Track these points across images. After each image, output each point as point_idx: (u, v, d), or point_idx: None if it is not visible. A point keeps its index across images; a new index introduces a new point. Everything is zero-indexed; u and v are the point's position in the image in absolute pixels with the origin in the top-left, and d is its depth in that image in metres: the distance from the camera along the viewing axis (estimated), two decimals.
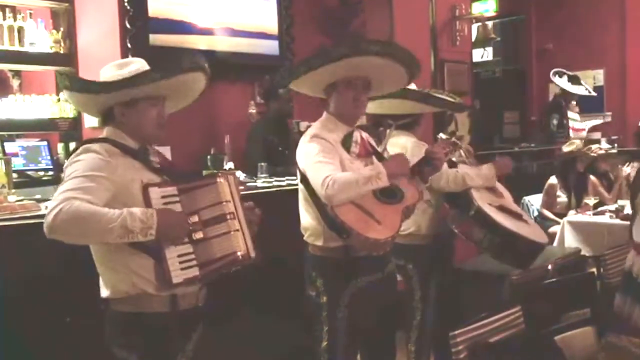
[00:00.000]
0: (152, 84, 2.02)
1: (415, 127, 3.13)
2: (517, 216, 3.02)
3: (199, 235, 1.96)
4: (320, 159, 2.42)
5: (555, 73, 7.23)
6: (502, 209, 2.99)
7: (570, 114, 7.74)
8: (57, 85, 4.68)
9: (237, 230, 1.99)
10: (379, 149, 2.72)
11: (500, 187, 3.21)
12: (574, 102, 7.86)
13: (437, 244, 3.05)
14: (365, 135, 2.70)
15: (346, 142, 2.55)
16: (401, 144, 2.97)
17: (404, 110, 3.02)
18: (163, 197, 1.97)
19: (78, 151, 1.98)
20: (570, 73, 7.33)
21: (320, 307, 2.56)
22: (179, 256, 1.93)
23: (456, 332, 2.03)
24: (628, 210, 4.72)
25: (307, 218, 2.57)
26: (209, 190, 2.03)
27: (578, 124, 7.64)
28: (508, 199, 3.16)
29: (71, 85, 2.04)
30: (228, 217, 1.99)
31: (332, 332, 2.54)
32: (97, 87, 2.03)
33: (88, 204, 1.81)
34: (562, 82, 7.25)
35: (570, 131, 7.56)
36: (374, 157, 2.65)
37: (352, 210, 2.35)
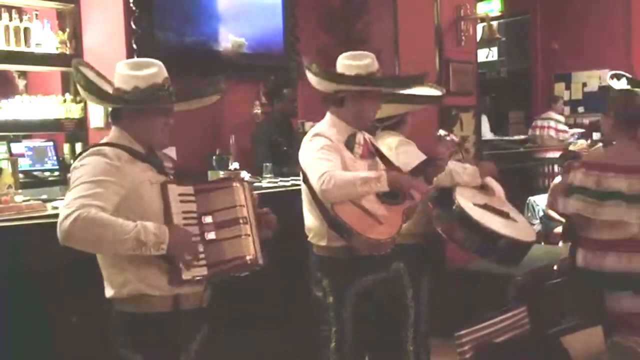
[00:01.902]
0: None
1: (402, 126, 3.13)
2: (504, 214, 3.00)
3: (210, 235, 1.98)
4: (320, 156, 2.43)
5: (614, 76, 6.79)
6: (487, 207, 2.97)
7: (554, 114, 7.72)
8: (63, 86, 4.70)
9: (248, 235, 2.01)
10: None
11: (493, 183, 3.21)
12: (561, 102, 7.86)
13: (426, 242, 3.04)
14: (368, 136, 2.70)
15: (349, 143, 2.56)
16: (387, 144, 2.98)
17: (387, 113, 3.03)
18: (180, 194, 2.00)
19: (87, 152, 1.99)
20: (629, 75, 6.88)
21: (327, 308, 2.56)
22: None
23: (462, 332, 2.03)
24: None
25: (310, 218, 2.57)
26: (225, 193, 2.06)
27: (562, 125, 7.62)
28: (499, 197, 3.14)
29: (86, 86, 2.03)
30: (241, 221, 2.02)
31: (340, 333, 2.55)
32: (110, 98, 2.04)
33: (103, 213, 1.83)
34: (620, 86, 6.85)
35: (553, 132, 7.54)
36: (377, 158, 2.65)
37: (353, 211, 2.35)
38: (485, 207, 2.97)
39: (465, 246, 2.87)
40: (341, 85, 2.55)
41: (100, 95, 2.04)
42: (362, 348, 2.65)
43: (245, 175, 3.78)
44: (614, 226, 2.66)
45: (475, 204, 2.93)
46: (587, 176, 2.72)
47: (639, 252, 2.66)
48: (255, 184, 3.67)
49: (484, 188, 3.11)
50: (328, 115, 2.63)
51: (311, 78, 2.60)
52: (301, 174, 2.58)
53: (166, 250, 1.88)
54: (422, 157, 2.89)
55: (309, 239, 2.61)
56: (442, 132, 3.29)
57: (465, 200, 2.91)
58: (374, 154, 2.66)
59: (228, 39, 4.78)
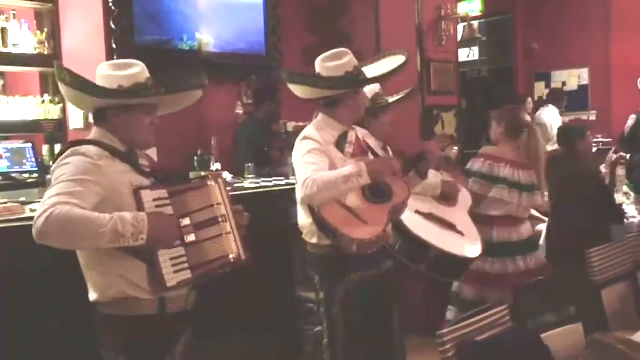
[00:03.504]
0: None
1: (367, 124, 3.07)
2: (448, 226, 2.93)
3: (190, 238, 1.96)
4: (305, 160, 2.45)
5: None
6: (430, 217, 2.91)
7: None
8: (41, 87, 4.64)
9: (229, 232, 2.00)
10: None
11: (461, 194, 3.21)
12: (529, 101, 7.91)
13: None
14: (362, 134, 2.71)
15: (340, 143, 2.57)
16: None
17: None
18: (155, 199, 1.96)
19: (66, 153, 1.96)
20: None
21: (318, 304, 2.59)
22: (171, 259, 1.92)
23: (443, 330, 2.04)
24: None
25: (303, 217, 2.59)
26: (200, 193, 2.03)
27: None
28: (459, 207, 3.11)
29: (72, 82, 1.99)
30: (220, 219, 2.00)
31: (331, 329, 2.57)
32: (97, 91, 2.01)
33: (78, 209, 1.80)
34: None
35: None
36: (370, 156, 2.65)
37: (338, 211, 2.36)
38: (428, 216, 2.90)
39: (395, 251, 2.80)
40: (336, 89, 2.55)
41: (88, 88, 2.00)
42: (355, 343, 2.65)
43: (227, 176, 3.76)
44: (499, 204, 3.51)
45: (417, 212, 2.88)
46: (483, 165, 3.58)
47: (513, 226, 3.53)
48: (237, 185, 3.66)
49: (444, 196, 3.09)
50: (320, 115, 2.64)
51: (304, 89, 2.58)
52: (296, 174, 2.59)
53: (145, 239, 1.84)
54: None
55: (302, 236, 2.64)
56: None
57: (408, 206, 2.80)
58: (366, 151, 2.66)
59: (209, 38, 4.75)
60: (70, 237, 1.81)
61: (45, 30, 4.47)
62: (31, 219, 2.37)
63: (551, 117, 7.10)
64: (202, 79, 2.17)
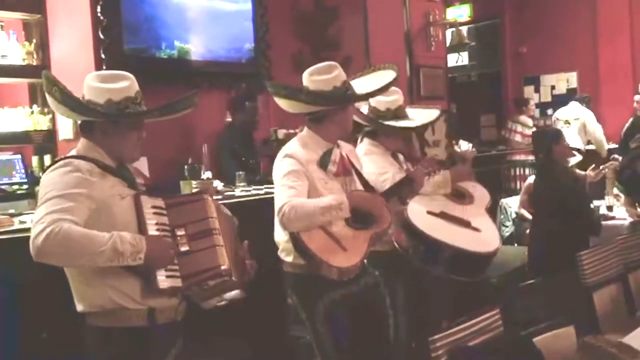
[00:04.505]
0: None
1: (381, 135, 3.06)
2: (462, 223, 2.81)
3: (184, 247, 1.97)
4: (284, 182, 2.40)
5: None
6: (443, 215, 2.81)
7: (522, 118, 7.75)
8: (30, 97, 4.62)
9: (222, 245, 2.00)
10: None
11: (476, 189, 3.12)
12: (532, 103, 7.91)
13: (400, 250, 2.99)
14: (346, 151, 2.66)
15: (323, 162, 2.51)
16: (358, 150, 2.96)
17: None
18: (152, 207, 1.98)
19: (56, 165, 1.95)
20: None
21: (303, 321, 2.54)
22: None
23: (435, 336, 2.04)
24: (603, 210, 4.80)
25: (280, 234, 2.52)
26: (196, 206, 2.06)
27: (528, 129, 7.68)
28: (476, 204, 3.00)
29: (62, 99, 1.98)
30: (214, 232, 2.01)
31: (320, 348, 2.52)
32: (89, 112, 2.00)
33: (77, 227, 1.80)
34: None
35: (519, 137, 7.60)
36: (354, 175, 2.61)
37: (318, 235, 2.31)
38: (440, 215, 2.81)
39: (410, 254, 2.74)
40: (322, 105, 2.50)
41: (77, 108, 1.99)
42: (348, 357, 2.61)
43: (218, 184, 3.76)
44: None
45: (429, 212, 2.80)
46: None
47: None
48: (228, 193, 3.65)
49: (458, 194, 3.01)
50: (305, 130, 2.59)
51: (290, 103, 2.52)
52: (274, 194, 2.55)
53: (144, 259, 1.85)
54: (387, 167, 2.87)
55: (278, 253, 2.59)
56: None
57: (418, 207, 2.78)
58: (350, 171, 2.61)
59: (198, 46, 4.75)
60: (69, 255, 1.80)
61: (34, 40, 4.45)
62: (20, 230, 2.37)
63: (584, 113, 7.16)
64: (194, 99, 2.17)
